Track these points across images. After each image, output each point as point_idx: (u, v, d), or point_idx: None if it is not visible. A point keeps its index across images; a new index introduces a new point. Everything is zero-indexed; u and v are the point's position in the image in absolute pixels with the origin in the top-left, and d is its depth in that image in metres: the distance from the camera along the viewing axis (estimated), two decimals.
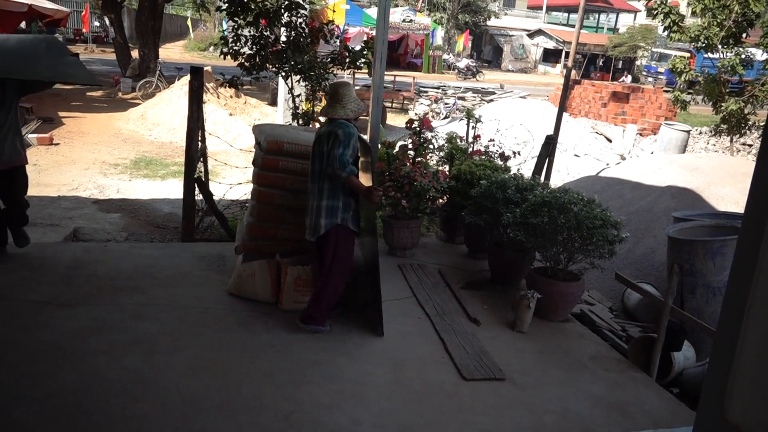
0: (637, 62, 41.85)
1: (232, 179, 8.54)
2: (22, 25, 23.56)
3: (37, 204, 7.50)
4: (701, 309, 5.18)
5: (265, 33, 7.05)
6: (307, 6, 7.52)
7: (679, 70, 12.61)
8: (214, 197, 6.61)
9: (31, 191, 8.08)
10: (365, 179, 5.08)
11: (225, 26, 27.11)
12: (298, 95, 7.64)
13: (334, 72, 7.66)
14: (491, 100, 20.91)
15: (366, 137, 6.50)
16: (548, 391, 3.96)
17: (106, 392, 3.47)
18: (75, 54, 5.71)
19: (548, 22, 50.20)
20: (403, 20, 31.58)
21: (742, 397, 1.33)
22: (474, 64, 35.75)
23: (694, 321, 4.46)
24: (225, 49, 7.06)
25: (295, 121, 7.54)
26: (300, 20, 7.08)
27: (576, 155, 13.49)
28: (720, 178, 7.84)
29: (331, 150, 4.17)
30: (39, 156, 10.14)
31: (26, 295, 4.50)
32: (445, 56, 38.62)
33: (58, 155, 10.45)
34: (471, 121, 7.63)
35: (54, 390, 3.44)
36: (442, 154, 6.96)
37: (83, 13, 31.04)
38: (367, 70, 7.33)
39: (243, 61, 7.09)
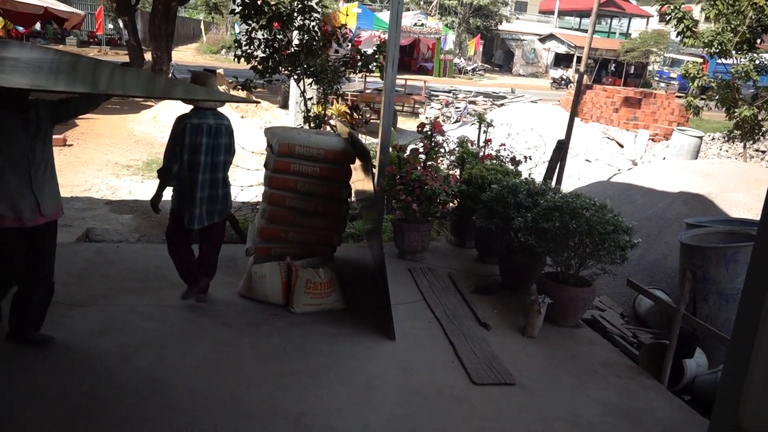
0: (650, 67, 41.65)
1: (244, 181, 8.58)
2: (37, 26, 23.84)
3: None
4: (714, 316, 5.13)
5: (278, 36, 7.10)
6: (319, 10, 7.56)
7: (692, 75, 12.55)
8: None
9: None
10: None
11: (238, 29, 27.26)
12: (310, 98, 7.68)
13: (347, 75, 7.69)
14: (502, 105, 20.89)
15: (377, 141, 6.53)
16: (558, 397, 3.94)
17: (118, 392, 3.49)
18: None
19: (560, 27, 50.08)
20: (415, 24, 31.65)
21: (757, 404, 1.33)
22: (567, 74, 35.64)
23: (706, 328, 4.43)
24: (238, 52, 7.11)
25: (307, 124, 7.57)
26: (313, 24, 7.11)
27: (587, 160, 13.44)
28: (733, 184, 7.78)
29: (231, 143, 4.57)
30: None
31: None
32: (456, 60, 38.62)
33: (72, 156, 10.54)
34: (482, 125, 7.63)
35: (66, 390, 3.47)
36: (453, 158, 6.96)
37: (97, 15, 31.32)
38: (379, 74, 7.35)
39: (256, 64, 7.14)
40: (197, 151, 4.30)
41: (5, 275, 3.74)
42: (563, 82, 33.67)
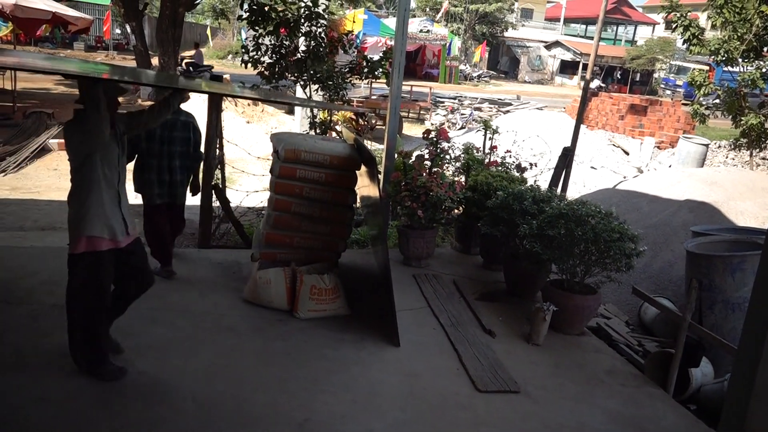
0: (655, 75, 41.61)
1: (249, 187, 8.60)
2: (47, 31, 23.96)
3: (57, 208, 7.60)
4: (720, 325, 5.11)
5: (284, 42, 7.13)
6: (326, 16, 7.59)
7: (698, 83, 12.53)
8: (231, 204, 6.65)
9: (52, 195, 8.19)
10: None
11: (244, 35, 27.38)
12: None
13: (352, 81, 7.72)
14: (508, 111, 20.90)
15: (383, 147, 6.53)
16: (563, 405, 3.93)
17: (122, 397, 3.49)
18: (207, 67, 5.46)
19: (566, 34, 50.10)
20: (420, 30, 31.71)
21: (765, 414, 1.32)
22: (603, 85, 35.54)
23: (712, 337, 4.41)
24: (245, 57, 7.15)
25: (313, 129, 7.59)
26: (319, 30, 7.15)
27: (593, 167, 13.42)
28: (739, 192, 7.75)
29: (191, 137, 5.23)
30: (60, 161, 10.28)
31: (45, 299, 4.55)
32: (462, 67, 38.65)
33: None
34: (488, 131, 7.63)
35: (71, 393, 3.47)
36: (458, 164, 6.95)
37: (105, 20, 31.49)
38: (384, 80, 7.37)
39: (263, 69, 7.17)
40: (152, 140, 4.99)
41: (104, 302, 3.62)
42: (601, 89, 33.18)
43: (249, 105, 14.81)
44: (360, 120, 11.31)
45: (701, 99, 13.00)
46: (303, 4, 7.09)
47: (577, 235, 4.68)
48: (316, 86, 7.32)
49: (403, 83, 6.58)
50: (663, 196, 8.02)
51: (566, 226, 4.75)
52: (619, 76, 41.16)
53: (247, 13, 6.99)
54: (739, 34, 11.54)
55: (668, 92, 36.98)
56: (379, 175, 5.76)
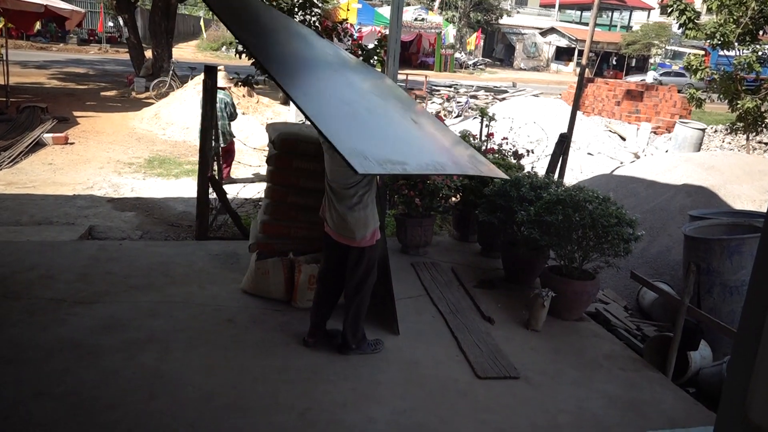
0: (651, 60, 41.53)
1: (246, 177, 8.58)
2: (38, 26, 23.78)
3: (53, 202, 7.57)
4: (718, 308, 5.13)
5: None
6: (320, 5, 7.54)
7: (694, 67, 12.51)
8: (228, 196, 6.64)
9: (47, 190, 8.17)
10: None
11: None
12: None
13: None
14: (504, 99, 20.84)
15: None
16: (563, 390, 3.94)
17: (123, 389, 3.49)
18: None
19: (561, 20, 49.94)
20: (415, 19, 31.58)
21: (765, 396, 1.32)
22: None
23: (711, 320, 4.42)
24: (240, 48, 7.10)
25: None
26: (313, 19, 7.10)
27: (589, 153, 13.41)
28: (736, 176, 7.76)
29: (233, 109, 8.86)
30: (54, 155, 10.23)
31: (43, 293, 4.55)
32: (457, 55, 38.52)
33: (73, 154, 10.53)
34: (484, 119, 7.61)
35: (71, 387, 3.47)
36: None
37: (99, 13, 31.27)
38: (380, 69, 7.33)
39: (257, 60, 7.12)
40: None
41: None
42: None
43: (244, 96, 14.74)
44: None
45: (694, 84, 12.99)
46: None
47: (575, 220, 4.69)
48: None
49: (399, 72, 6.54)
50: (660, 181, 8.03)
51: (564, 212, 4.75)
52: (614, 62, 41.08)
53: None
54: (734, 18, 11.51)
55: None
56: None
